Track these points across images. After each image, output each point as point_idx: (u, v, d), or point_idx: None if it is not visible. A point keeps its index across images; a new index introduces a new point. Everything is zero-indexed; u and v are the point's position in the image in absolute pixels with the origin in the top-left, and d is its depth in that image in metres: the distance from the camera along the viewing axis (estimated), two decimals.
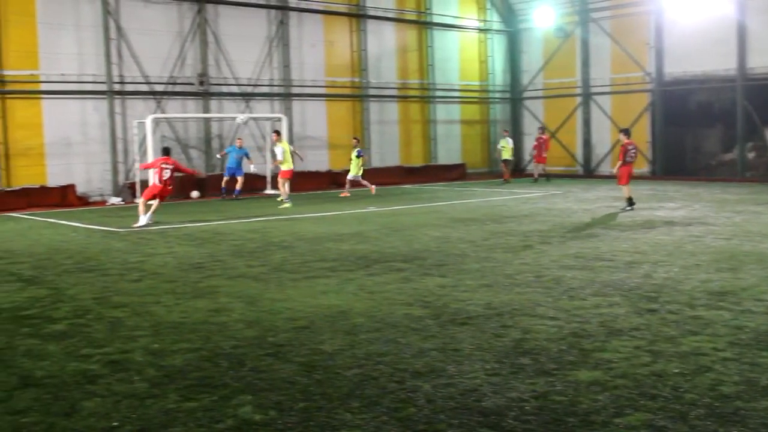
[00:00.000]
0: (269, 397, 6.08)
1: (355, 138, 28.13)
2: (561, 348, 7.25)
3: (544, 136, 33.23)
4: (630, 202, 19.94)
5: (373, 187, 27.02)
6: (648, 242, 14.03)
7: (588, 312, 8.67)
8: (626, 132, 20.67)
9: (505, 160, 33.05)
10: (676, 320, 8.21)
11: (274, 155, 26.08)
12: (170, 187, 19.03)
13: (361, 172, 26.83)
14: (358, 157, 26.78)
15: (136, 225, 18.29)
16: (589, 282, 10.41)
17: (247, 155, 27.22)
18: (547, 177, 32.86)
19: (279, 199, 24.05)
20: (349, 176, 26.90)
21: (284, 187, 23.88)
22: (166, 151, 19.26)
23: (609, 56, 35.40)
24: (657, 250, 13.04)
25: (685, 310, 8.64)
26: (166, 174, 18.71)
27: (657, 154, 33.97)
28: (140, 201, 19.04)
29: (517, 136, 39.41)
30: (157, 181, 19.01)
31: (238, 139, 28.28)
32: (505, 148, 33.00)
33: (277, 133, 24.88)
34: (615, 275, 10.87)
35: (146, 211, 18.58)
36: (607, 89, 35.57)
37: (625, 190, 20.07)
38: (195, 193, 25.77)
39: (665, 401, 5.81)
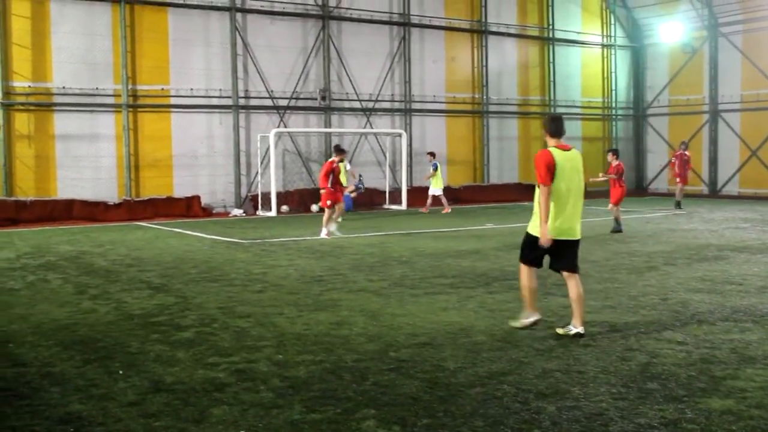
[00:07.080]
0: (393, 412, 6.08)
1: (430, 153, 28.11)
2: (690, 374, 7.02)
3: (687, 153, 27.09)
4: (619, 223, 19.39)
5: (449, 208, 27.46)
6: None
7: (718, 338, 8.37)
8: (616, 152, 20.26)
9: None
10: None
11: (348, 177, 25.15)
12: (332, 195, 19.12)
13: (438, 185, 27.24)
14: (435, 170, 27.04)
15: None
16: (719, 306, 10.05)
17: None
18: (678, 203, 26.74)
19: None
20: (438, 192, 27.19)
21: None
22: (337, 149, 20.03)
23: (739, 72, 34.23)
24: None
25: None
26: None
27: None
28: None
29: (640, 153, 38.61)
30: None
31: None
32: None
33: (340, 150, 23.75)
34: (746, 300, 10.47)
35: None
36: (737, 106, 34.39)
37: (617, 210, 19.43)
38: (314, 207, 26.37)
39: None
